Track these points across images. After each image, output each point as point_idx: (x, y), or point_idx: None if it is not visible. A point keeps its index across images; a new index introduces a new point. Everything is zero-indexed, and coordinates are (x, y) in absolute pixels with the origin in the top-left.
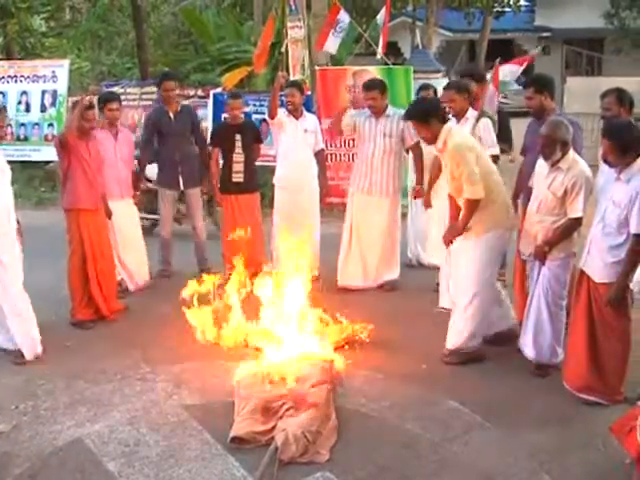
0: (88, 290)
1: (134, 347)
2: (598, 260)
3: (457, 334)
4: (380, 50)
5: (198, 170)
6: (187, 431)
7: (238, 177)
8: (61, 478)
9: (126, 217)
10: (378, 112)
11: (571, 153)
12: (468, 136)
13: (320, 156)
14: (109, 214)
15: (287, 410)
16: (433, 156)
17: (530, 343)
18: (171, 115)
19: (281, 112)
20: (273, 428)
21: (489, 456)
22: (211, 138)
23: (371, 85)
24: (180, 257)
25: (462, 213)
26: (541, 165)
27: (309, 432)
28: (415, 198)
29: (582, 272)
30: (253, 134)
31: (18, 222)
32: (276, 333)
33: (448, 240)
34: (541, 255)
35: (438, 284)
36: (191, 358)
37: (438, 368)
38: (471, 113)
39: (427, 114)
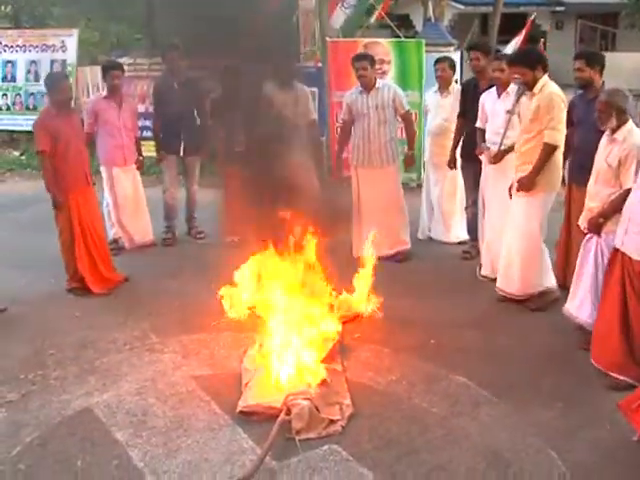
0: (82, 263)
1: (143, 318)
2: (638, 236)
3: (524, 282)
4: (374, 15)
5: (198, 139)
6: (195, 402)
7: None
8: (70, 447)
9: (127, 182)
10: (368, 84)
11: (629, 124)
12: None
13: (311, 127)
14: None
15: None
16: (437, 125)
17: (589, 310)
18: (175, 85)
19: (270, 86)
20: (282, 401)
21: (496, 432)
22: None
23: (361, 56)
24: (184, 225)
25: (534, 163)
26: (604, 138)
27: (319, 405)
28: (407, 165)
29: (616, 251)
30: None
31: None
32: (284, 305)
33: (523, 188)
34: (596, 227)
35: (466, 252)
36: (199, 329)
37: (447, 343)
38: (512, 88)
39: (536, 60)
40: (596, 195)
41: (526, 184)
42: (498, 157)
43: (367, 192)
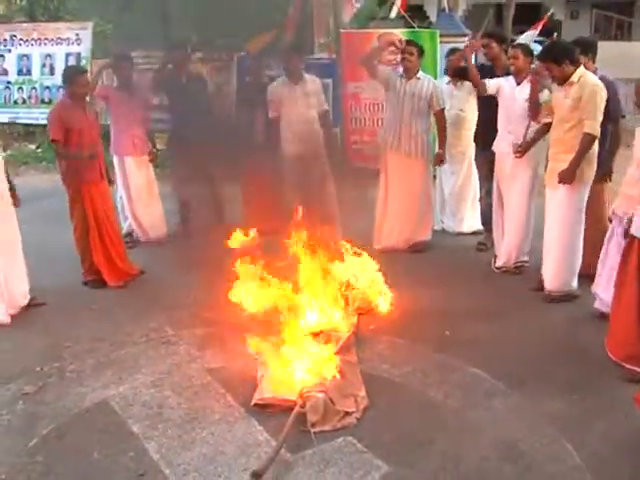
0: (98, 256)
1: (158, 311)
2: None
3: (558, 276)
4: (395, 9)
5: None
6: (210, 394)
7: None
8: (86, 439)
9: (140, 174)
10: (411, 71)
11: None
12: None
13: (324, 117)
14: (110, 181)
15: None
16: (453, 116)
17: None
18: (183, 80)
19: (281, 79)
20: (297, 393)
21: (510, 423)
22: None
23: (411, 42)
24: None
25: (575, 154)
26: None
27: (334, 397)
28: (436, 164)
29: (632, 239)
30: None
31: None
32: (299, 298)
33: (566, 181)
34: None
35: (481, 243)
36: (215, 322)
37: (461, 334)
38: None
39: (562, 55)
40: (637, 183)
41: (569, 176)
42: (524, 149)
43: (395, 182)
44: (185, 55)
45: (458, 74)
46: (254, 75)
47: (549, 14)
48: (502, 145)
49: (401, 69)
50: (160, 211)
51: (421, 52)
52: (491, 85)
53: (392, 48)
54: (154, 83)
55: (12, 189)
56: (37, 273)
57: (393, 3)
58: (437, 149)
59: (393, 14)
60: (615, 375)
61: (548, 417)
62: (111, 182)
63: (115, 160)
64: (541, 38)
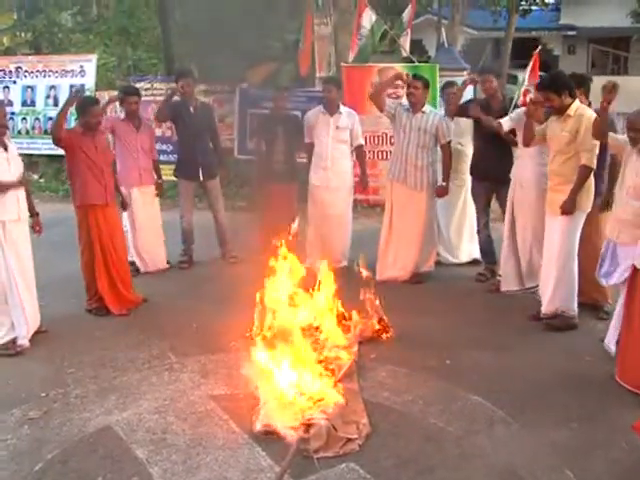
0: (102, 283)
1: (161, 337)
2: None
3: (552, 301)
4: (405, 48)
5: (216, 162)
6: (214, 420)
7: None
8: (91, 464)
9: (144, 204)
10: (417, 105)
11: None
12: None
13: (358, 152)
14: (125, 205)
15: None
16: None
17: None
18: (191, 109)
19: (317, 109)
20: (300, 419)
21: (512, 451)
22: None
23: (417, 76)
24: (201, 248)
25: (573, 186)
26: (630, 154)
27: (337, 424)
28: (440, 196)
29: (635, 271)
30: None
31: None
32: (302, 326)
33: (568, 212)
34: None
35: (481, 274)
36: (218, 349)
37: (462, 362)
38: None
39: (563, 86)
40: (631, 208)
41: (569, 206)
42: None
43: (400, 214)
44: (192, 82)
45: (460, 114)
46: (277, 106)
47: (539, 49)
48: (526, 175)
49: (404, 102)
50: (162, 245)
51: (426, 85)
52: (510, 122)
53: (397, 81)
54: (162, 111)
55: (36, 214)
56: (41, 300)
57: (397, 38)
58: (440, 181)
59: (404, 54)
60: (615, 403)
61: (550, 445)
62: (125, 206)
63: (121, 191)
64: (542, 74)
